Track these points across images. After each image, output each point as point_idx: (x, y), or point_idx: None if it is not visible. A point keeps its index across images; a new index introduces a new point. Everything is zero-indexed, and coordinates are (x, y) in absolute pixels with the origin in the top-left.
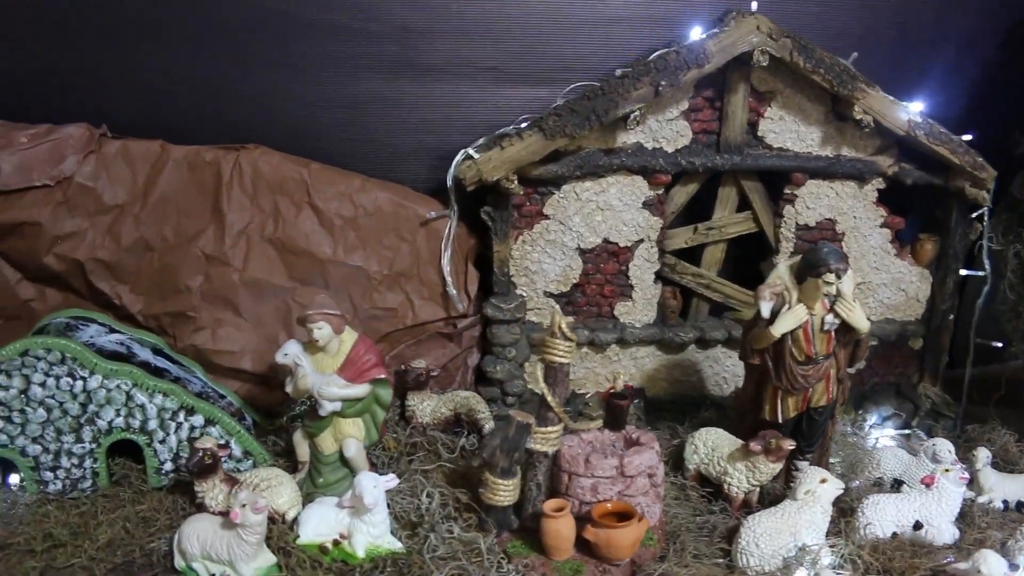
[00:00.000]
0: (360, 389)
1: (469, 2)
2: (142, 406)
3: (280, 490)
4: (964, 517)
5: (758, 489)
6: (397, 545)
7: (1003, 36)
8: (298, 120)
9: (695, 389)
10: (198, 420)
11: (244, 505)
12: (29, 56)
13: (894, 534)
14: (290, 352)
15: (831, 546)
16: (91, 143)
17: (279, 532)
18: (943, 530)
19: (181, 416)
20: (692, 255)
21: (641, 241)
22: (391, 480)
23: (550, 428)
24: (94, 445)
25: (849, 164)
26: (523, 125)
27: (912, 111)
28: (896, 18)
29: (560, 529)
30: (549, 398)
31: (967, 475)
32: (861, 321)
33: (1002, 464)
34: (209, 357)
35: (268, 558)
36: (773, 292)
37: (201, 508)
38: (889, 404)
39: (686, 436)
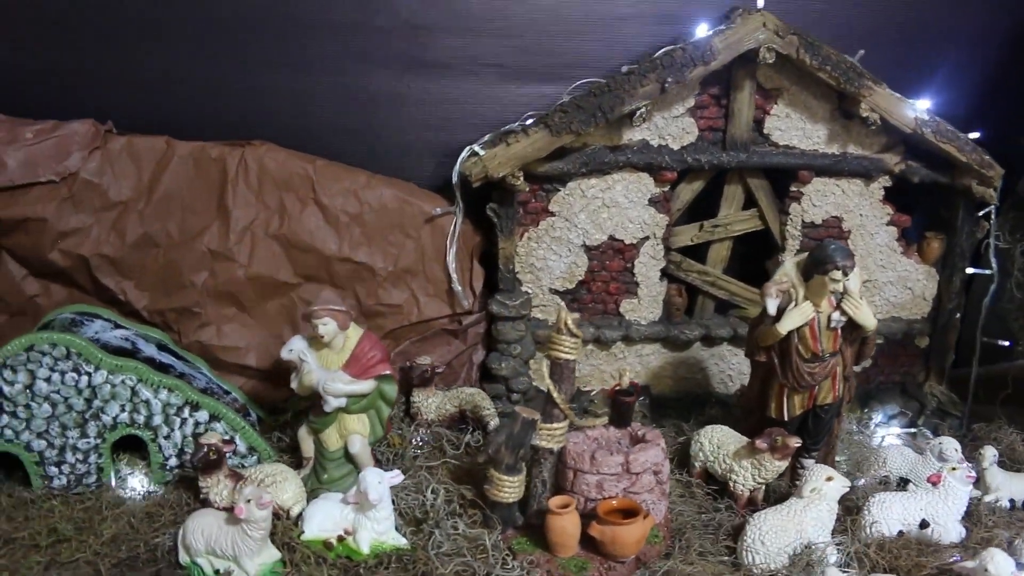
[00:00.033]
0: (365, 385)
1: None
2: (147, 401)
3: (285, 486)
4: (970, 516)
5: (764, 487)
6: (402, 541)
7: (1011, 33)
8: (303, 117)
9: (700, 386)
10: (203, 416)
11: (249, 501)
12: (31, 55)
13: (900, 532)
14: (295, 348)
15: (837, 544)
16: (96, 139)
17: (283, 528)
18: (949, 528)
19: (186, 412)
20: (698, 252)
21: (647, 238)
22: (396, 476)
23: (555, 425)
24: (99, 440)
25: (855, 162)
26: (529, 122)
27: (919, 108)
28: (903, 14)
29: (565, 526)
30: (555, 395)
31: (973, 474)
32: (868, 318)
33: (1008, 463)
34: (214, 353)
35: (272, 554)
36: (779, 289)
37: (206, 504)
38: (895, 402)
39: (692, 433)
